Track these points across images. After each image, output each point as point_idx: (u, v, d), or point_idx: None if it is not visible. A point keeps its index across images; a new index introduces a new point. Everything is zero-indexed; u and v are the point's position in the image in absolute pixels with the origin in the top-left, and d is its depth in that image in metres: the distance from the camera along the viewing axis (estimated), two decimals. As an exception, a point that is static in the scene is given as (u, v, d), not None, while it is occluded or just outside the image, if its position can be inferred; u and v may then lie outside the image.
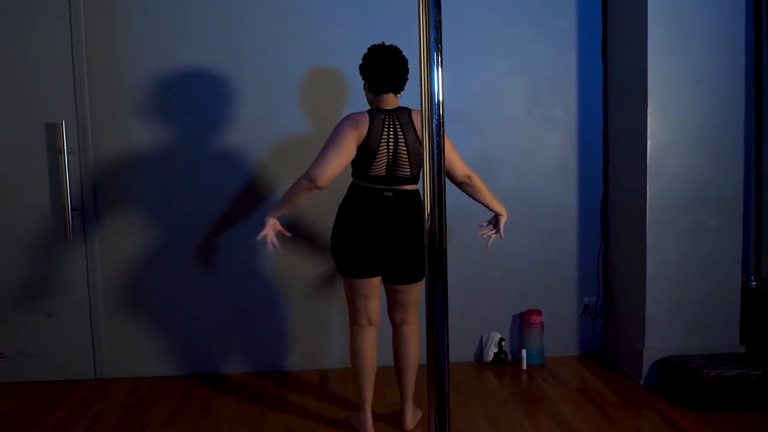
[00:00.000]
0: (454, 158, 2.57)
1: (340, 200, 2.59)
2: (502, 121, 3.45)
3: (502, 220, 2.72)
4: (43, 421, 2.84)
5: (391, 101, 2.52)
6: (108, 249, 3.31)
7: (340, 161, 2.40)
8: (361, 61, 2.53)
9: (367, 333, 2.62)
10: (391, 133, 2.45)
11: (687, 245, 3.12)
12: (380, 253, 2.51)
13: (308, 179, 2.38)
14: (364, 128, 2.41)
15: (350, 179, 2.59)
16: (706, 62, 3.06)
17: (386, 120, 2.45)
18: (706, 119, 3.09)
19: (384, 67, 2.45)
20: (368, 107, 2.56)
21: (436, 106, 1.00)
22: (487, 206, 2.72)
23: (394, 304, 2.67)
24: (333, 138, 2.42)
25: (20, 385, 3.26)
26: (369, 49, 2.51)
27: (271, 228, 2.49)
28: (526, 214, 3.48)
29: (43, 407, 2.99)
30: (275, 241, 2.50)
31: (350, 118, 2.45)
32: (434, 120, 1.00)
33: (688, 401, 2.85)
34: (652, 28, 3.02)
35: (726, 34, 3.05)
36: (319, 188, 2.40)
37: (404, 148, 2.47)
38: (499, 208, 2.71)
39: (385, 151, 2.45)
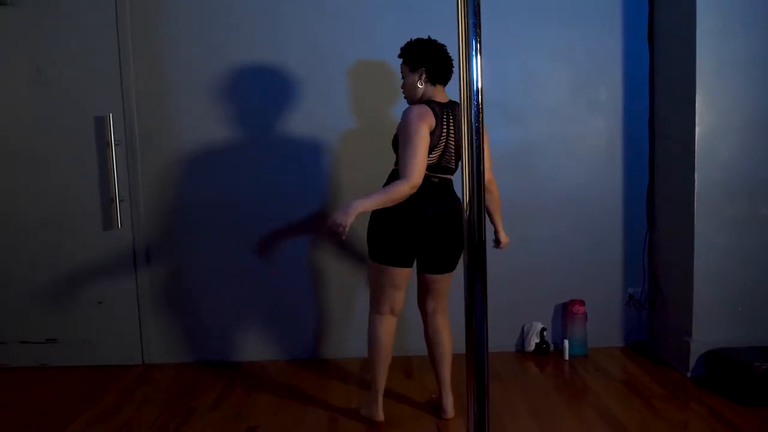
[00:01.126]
0: (486, 157, 2.57)
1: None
2: (545, 109, 3.39)
3: (503, 239, 2.83)
4: (94, 404, 2.94)
5: (442, 93, 2.55)
6: (155, 238, 3.39)
7: (426, 156, 2.40)
8: (410, 51, 2.52)
9: (389, 322, 2.63)
10: (450, 126, 2.47)
11: (736, 234, 3.03)
12: (422, 242, 2.52)
13: (411, 186, 2.35)
14: (432, 120, 2.41)
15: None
16: (757, 45, 2.95)
17: (444, 114, 2.46)
18: (756, 104, 2.98)
19: (445, 58, 2.51)
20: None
21: (475, 93, 0.99)
22: (492, 216, 2.77)
23: (427, 294, 2.67)
24: (413, 136, 2.37)
25: (72, 369, 3.38)
26: (422, 41, 2.51)
27: (352, 218, 2.32)
28: (570, 202, 3.43)
29: (94, 391, 3.10)
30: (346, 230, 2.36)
31: (417, 112, 2.41)
32: (473, 107, 1.00)
33: (737, 395, 2.77)
34: (701, 10, 2.92)
35: (780, 15, 2.94)
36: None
37: (453, 142, 2.49)
38: (501, 224, 2.79)
39: (444, 143, 2.47)
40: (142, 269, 3.39)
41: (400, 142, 2.43)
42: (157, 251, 3.40)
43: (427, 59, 2.50)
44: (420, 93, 2.54)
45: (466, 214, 1.03)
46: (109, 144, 3.26)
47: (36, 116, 3.31)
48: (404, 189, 2.35)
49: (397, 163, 2.55)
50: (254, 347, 3.48)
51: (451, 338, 2.68)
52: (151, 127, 3.34)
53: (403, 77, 2.58)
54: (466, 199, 1.02)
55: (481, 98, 0.99)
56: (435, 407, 2.79)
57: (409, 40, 2.55)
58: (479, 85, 0.99)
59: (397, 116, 3.24)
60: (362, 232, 3.27)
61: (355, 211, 2.31)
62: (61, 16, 3.24)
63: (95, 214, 3.35)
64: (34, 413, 2.87)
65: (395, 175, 2.54)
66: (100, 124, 3.29)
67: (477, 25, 0.97)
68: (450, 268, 2.61)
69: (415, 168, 2.35)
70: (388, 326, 2.62)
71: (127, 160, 3.32)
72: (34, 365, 3.42)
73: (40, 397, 3.05)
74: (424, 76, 2.52)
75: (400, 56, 2.57)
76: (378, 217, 2.53)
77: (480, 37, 0.99)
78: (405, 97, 2.61)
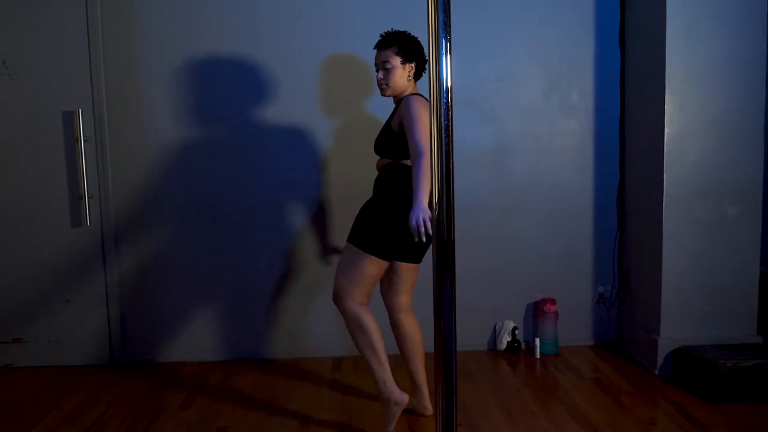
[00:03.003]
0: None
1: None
2: (518, 108, 3.42)
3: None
4: (61, 405, 2.88)
5: (416, 90, 2.57)
6: (124, 236, 3.34)
7: None
8: (406, 44, 2.48)
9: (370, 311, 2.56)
10: None
11: (704, 234, 3.08)
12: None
13: (428, 158, 2.27)
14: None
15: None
16: (726, 48, 3.00)
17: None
18: (725, 106, 3.03)
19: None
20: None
21: (445, 92, 0.99)
22: None
23: (404, 288, 2.63)
24: (421, 117, 2.33)
25: (39, 369, 3.31)
26: (413, 36, 2.51)
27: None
28: (541, 201, 3.46)
29: (61, 391, 3.04)
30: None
31: (423, 102, 2.41)
32: (443, 105, 1.00)
33: (703, 392, 2.83)
34: (670, 13, 2.97)
35: (746, 19, 2.99)
36: None
37: None
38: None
39: None
40: (111, 267, 3.34)
41: (409, 125, 2.34)
42: (126, 249, 3.35)
43: (419, 55, 2.52)
44: (406, 86, 2.52)
45: (435, 213, 1.03)
46: (78, 139, 3.20)
47: (2, 110, 3.24)
48: (427, 159, 2.27)
49: (402, 156, 2.49)
50: (225, 347, 3.44)
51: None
52: (121, 122, 3.29)
53: (388, 67, 2.47)
54: (435, 197, 1.02)
55: (451, 96, 0.99)
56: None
57: (392, 30, 2.51)
58: (449, 84, 0.99)
59: (372, 109, 3.26)
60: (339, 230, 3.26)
61: (427, 206, 2.26)
62: (29, 8, 3.17)
63: (63, 210, 3.28)
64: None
65: (395, 175, 2.47)
66: (69, 119, 3.22)
67: (447, 23, 0.97)
68: None
69: (427, 142, 2.28)
70: (370, 314, 2.53)
71: (96, 156, 3.27)
72: (-1, 365, 3.36)
73: (5, 398, 2.98)
74: (412, 71, 2.51)
75: (386, 45, 2.47)
76: (389, 212, 2.44)
77: (450, 36, 0.99)
78: (383, 87, 2.51)
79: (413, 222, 2.23)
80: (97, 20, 3.20)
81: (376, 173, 2.63)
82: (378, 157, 2.63)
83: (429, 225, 2.23)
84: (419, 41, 2.53)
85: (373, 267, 2.47)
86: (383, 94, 2.54)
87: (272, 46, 3.28)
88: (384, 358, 2.50)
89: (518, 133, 3.43)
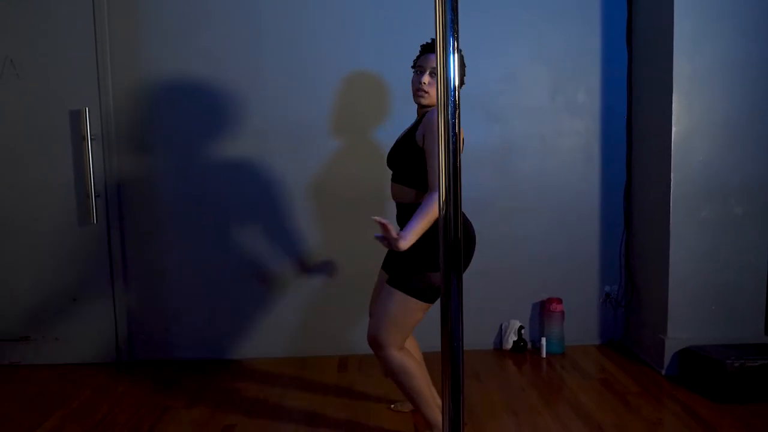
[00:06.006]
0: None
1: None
2: (524, 108, 3.41)
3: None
4: (67, 403, 2.89)
5: None
6: (131, 234, 3.35)
7: None
8: (462, 65, 2.39)
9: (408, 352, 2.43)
10: None
11: (711, 234, 3.07)
12: None
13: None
14: None
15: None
16: (733, 48, 2.99)
17: None
18: (732, 106, 3.02)
19: None
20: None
21: (452, 91, 0.99)
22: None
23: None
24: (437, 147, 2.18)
25: (45, 367, 3.33)
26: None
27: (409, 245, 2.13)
28: (547, 201, 3.45)
29: (67, 390, 3.05)
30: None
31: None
32: (450, 104, 0.99)
33: (710, 392, 2.81)
34: (678, 13, 2.95)
35: (754, 19, 2.98)
36: None
37: None
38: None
39: None
40: (117, 266, 3.35)
41: (429, 150, 2.19)
42: (133, 248, 3.36)
43: (462, 77, 2.37)
44: (431, 102, 2.33)
45: (442, 212, 1.03)
46: (85, 138, 3.21)
47: (10, 110, 3.25)
48: (437, 202, 2.08)
49: (399, 179, 2.36)
50: (231, 345, 3.45)
51: None
52: (127, 121, 3.30)
53: (434, 74, 2.26)
54: (442, 197, 1.02)
55: (458, 95, 0.99)
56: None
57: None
58: (456, 83, 0.99)
59: (372, 115, 3.25)
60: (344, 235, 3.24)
61: (412, 241, 2.12)
62: (36, 7, 3.18)
63: (71, 209, 3.29)
64: (6, 412, 2.82)
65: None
66: (76, 117, 3.24)
67: (455, 22, 0.97)
68: None
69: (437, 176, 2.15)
70: (411, 356, 2.40)
71: (103, 155, 3.28)
72: (6, 363, 3.36)
73: (11, 396, 3.00)
74: None
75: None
76: (432, 251, 2.25)
77: (457, 34, 0.99)
78: (422, 93, 2.29)
79: (390, 239, 2.12)
80: (103, 19, 3.21)
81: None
82: (388, 176, 2.44)
83: (385, 246, 2.15)
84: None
85: (422, 312, 2.31)
86: (419, 101, 2.31)
87: (276, 47, 3.28)
88: (431, 392, 2.38)
89: (524, 133, 3.42)
